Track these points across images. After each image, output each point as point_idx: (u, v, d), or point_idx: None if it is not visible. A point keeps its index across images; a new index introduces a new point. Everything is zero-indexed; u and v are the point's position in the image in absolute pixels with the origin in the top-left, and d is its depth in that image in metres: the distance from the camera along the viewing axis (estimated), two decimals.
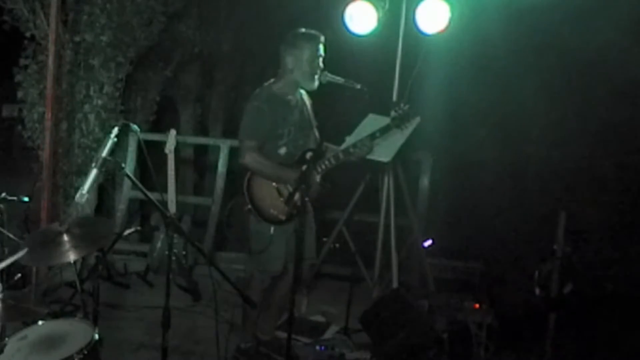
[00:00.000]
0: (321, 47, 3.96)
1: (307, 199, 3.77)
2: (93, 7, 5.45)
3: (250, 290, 4.05)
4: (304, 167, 3.85)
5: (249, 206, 3.96)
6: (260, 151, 3.92)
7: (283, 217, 3.98)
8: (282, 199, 3.96)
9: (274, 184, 3.97)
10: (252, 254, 4.09)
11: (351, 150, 3.96)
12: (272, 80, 4.06)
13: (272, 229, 3.97)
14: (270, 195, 3.97)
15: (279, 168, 3.94)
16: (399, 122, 3.96)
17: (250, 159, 3.91)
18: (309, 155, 3.97)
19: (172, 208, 5.39)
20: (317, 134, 4.14)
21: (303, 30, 3.98)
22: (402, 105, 4.04)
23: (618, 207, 5.69)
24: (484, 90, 6.36)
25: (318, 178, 4.00)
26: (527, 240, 5.56)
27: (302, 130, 4.05)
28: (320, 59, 3.96)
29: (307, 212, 4.12)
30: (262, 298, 4.19)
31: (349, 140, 4.13)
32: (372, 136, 3.95)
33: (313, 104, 4.20)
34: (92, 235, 3.25)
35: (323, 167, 3.97)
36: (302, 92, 4.11)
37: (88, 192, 2.90)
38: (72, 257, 3.13)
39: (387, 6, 4.86)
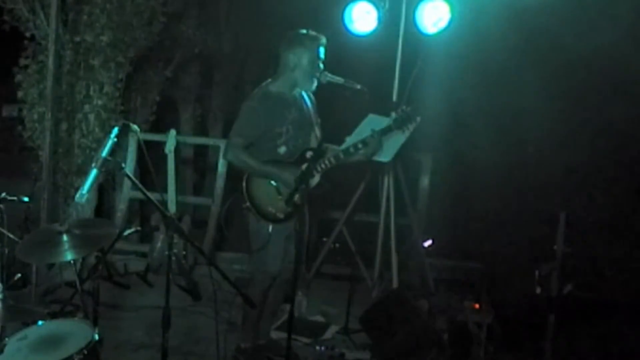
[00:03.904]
0: (322, 49, 3.96)
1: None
2: (93, 7, 5.44)
3: (251, 291, 4.06)
4: (304, 166, 3.85)
5: (248, 204, 3.96)
6: (247, 150, 3.93)
7: (282, 216, 3.98)
8: (280, 197, 3.96)
9: (273, 182, 3.97)
10: (251, 254, 4.09)
11: (352, 150, 3.96)
12: (269, 80, 4.06)
13: (270, 227, 3.97)
14: (268, 193, 3.97)
15: (263, 165, 3.93)
16: (400, 124, 3.95)
17: (232, 156, 3.96)
18: (309, 154, 3.96)
19: (172, 208, 5.39)
20: (318, 132, 4.13)
21: (306, 30, 3.98)
22: (404, 107, 4.03)
23: (618, 207, 5.69)
24: (484, 90, 6.36)
25: (318, 177, 4.00)
26: (527, 240, 5.55)
27: (302, 128, 4.04)
28: (320, 62, 3.96)
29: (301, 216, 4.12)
30: (262, 299, 4.19)
31: (349, 140, 4.13)
32: (373, 137, 3.94)
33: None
34: (92, 237, 3.26)
35: (323, 166, 3.96)
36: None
37: (88, 192, 2.90)
38: (70, 256, 3.14)
39: (387, 6, 4.87)
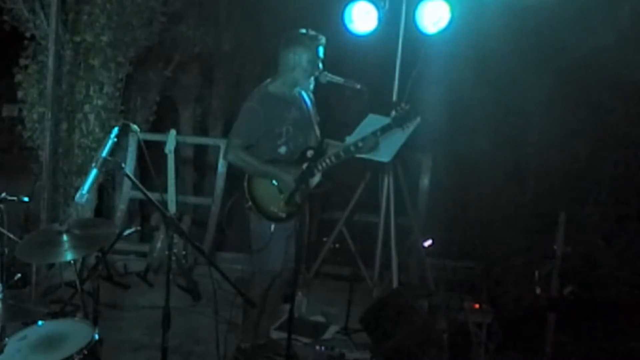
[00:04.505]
0: (321, 49, 3.96)
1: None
2: (93, 7, 5.44)
3: (251, 291, 4.06)
4: (305, 165, 3.85)
5: (250, 204, 3.96)
6: (247, 150, 3.93)
7: (283, 215, 3.98)
8: (282, 196, 3.96)
9: (274, 182, 3.97)
10: (252, 254, 4.09)
11: (352, 148, 3.96)
12: (269, 80, 4.06)
13: (272, 226, 3.97)
14: (270, 193, 3.97)
15: (263, 166, 3.93)
16: (400, 122, 3.95)
17: (233, 156, 3.96)
18: (309, 153, 3.96)
19: (172, 208, 5.39)
20: (317, 131, 4.13)
21: (305, 29, 3.99)
22: (403, 104, 4.04)
23: (618, 207, 5.69)
24: (484, 90, 6.35)
25: (319, 176, 4.00)
26: (527, 240, 5.55)
27: (302, 128, 4.05)
28: (319, 61, 3.96)
29: (301, 215, 4.13)
30: (262, 298, 4.19)
31: (349, 140, 4.13)
32: (373, 134, 3.95)
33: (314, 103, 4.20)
34: (92, 237, 3.26)
35: (324, 164, 3.97)
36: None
37: (88, 192, 2.90)
38: (70, 256, 3.14)
39: (387, 6, 4.87)
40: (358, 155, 4.09)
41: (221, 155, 6.15)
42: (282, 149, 3.99)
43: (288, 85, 4.01)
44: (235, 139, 3.96)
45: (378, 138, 3.96)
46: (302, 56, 3.92)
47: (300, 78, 3.98)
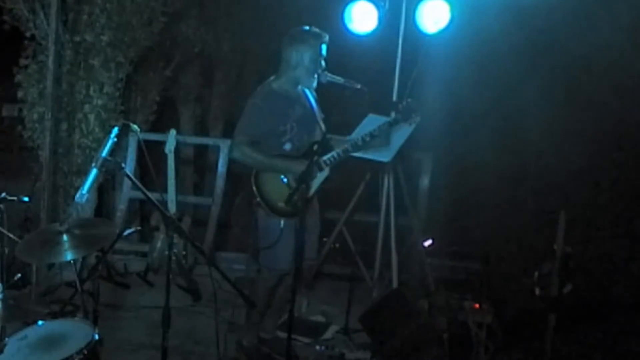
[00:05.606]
0: (324, 47, 3.97)
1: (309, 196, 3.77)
2: (93, 7, 5.44)
3: (256, 289, 4.05)
4: (309, 161, 3.85)
5: (258, 199, 3.95)
6: (253, 146, 3.92)
7: (292, 210, 3.96)
8: (290, 191, 3.94)
9: (282, 177, 3.96)
10: (261, 251, 4.08)
11: (360, 142, 3.97)
12: (272, 77, 4.06)
13: (282, 222, 3.96)
14: (278, 188, 3.96)
15: (272, 160, 3.93)
16: (406, 116, 3.98)
17: (239, 153, 3.95)
18: (315, 147, 3.95)
19: (172, 208, 5.39)
20: (322, 126, 4.12)
21: (309, 27, 3.99)
22: (407, 99, 4.07)
23: (618, 207, 5.69)
24: (485, 90, 6.35)
25: (327, 171, 3.99)
26: (527, 240, 5.55)
27: (306, 125, 4.04)
28: (322, 59, 3.97)
29: (312, 210, 4.13)
30: (267, 297, 4.19)
31: (350, 139, 4.13)
32: (381, 128, 3.95)
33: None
34: (92, 237, 3.26)
35: (332, 159, 3.97)
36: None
37: (88, 192, 2.91)
38: (70, 256, 3.15)
39: (387, 6, 4.87)
40: (360, 155, 4.10)
41: (221, 155, 6.16)
42: (287, 146, 4.00)
43: (290, 83, 4.01)
44: (240, 136, 3.96)
45: (387, 131, 3.97)
46: (305, 54, 3.93)
47: (302, 76, 3.98)
